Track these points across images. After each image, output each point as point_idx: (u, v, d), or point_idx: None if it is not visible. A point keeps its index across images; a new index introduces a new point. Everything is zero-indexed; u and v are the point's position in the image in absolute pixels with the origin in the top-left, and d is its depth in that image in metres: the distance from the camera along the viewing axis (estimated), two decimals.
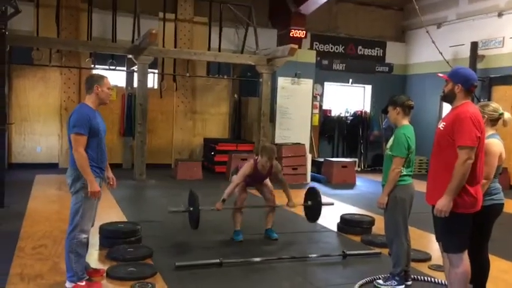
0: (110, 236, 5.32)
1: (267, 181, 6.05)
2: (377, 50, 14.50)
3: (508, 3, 11.68)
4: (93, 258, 4.94)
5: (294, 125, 11.81)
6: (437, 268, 4.95)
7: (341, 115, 14.10)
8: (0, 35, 7.28)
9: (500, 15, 11.80)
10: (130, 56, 10.40)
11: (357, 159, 13.75)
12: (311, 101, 12.17)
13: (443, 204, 3.41)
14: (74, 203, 4.04)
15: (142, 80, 10.27)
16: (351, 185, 11.07)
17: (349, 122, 14.09)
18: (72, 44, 10.49)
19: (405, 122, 4.41)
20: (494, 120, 3.95)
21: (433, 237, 4.04)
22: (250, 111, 12.50)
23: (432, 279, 4.70)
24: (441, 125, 3.58)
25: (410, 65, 14.63)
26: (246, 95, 12.91)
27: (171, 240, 5.86)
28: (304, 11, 12.29)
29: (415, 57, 14.41)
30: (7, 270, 4.48)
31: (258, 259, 5.09)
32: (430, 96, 12.86)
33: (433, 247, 5.61)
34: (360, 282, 4.50)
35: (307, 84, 11.93)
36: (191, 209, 5.54)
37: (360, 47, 14.30)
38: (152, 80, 12.30)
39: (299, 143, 11.37)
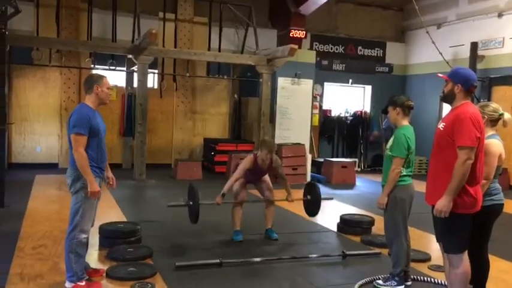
0: (110, 236, 5.32)
1: (267, 177, 6.04)
2: (377, 50, 14.50)
3: (508, 4, 11.68)
4: (93, 258, 4.94)
5: (294, 125, 11.81)
6: (437, 268, 4.95)
7: (341, 115, 14.10)
8: (0, 35, 7.28)
9: (500, 15, 11.81)
10: (130, 56, 10.40)
11: (356, 160, 13.75)
12: (311, 101, 12.18)
13: (443, 204, 3.42)
14: (73, 203, 4.04)
15: (142, 80, 10.27)
16: (350, 185, 11.08)
17: (349, 122, 14.10)
18: (72, 44, 10.49)
19: (405, 122, 4.41)
20: (494, 121, 3.95)
21: (432, 237, 4.05)
22: (250, 112, 12.50)
23: (432, 279, 4.70)
24: (441, 126, 3.58)
25: (410, 65, 14.64)
26: (246, 95, 12.91)
27: (171, 240, 5.86)
28: (304, 11, 12.30)
29: (415, 57, 14.41)
30: (7, 270, 4.49)
31: (258, 259, 5.09)
32: (430, 96, 12.86)
33: (433, 247, 5.61)
34: (360, 283, 4.51)
35: (307, 84, 11.93)
36: (191, 203, 5.52)
37: (359, 48, 14.30)
38: (152, 80, 12.31)
39: (299, 143, 11.37)
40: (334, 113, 14.06)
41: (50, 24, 10.72)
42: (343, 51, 14.11)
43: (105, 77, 4.23)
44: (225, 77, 12.34)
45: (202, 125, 12.70)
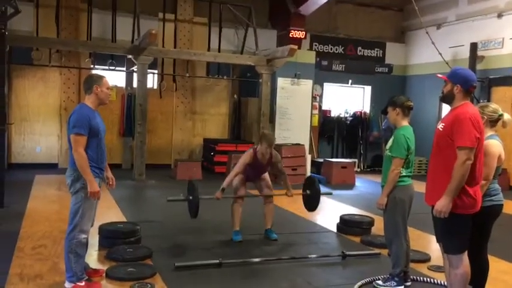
0: (110, 236, 5.31)
1: (266, 176, 6.03)
2: (376, 50, 14.51)
3: (508, 4, 11.69)
4: (93, 258, 4.94)
5: (293, 125, 11.82)
6: (437, 269, 4.96)
7: (340, 116, 14.11)
8: (0, 35, 7.28)
9: (499, 16, 11.81)
10: (130, 56, 10.40)
11: (356, 160, 13.75)
12: (311, 101, 12.19)
13: (443, 205, 3.42)
14: (73, 203, 4.04)
15: (142, 80, 10.27)
16: (350, 186, 11.08)
17: (348, 122, 14.10)
18: (71, 44, 10.49)
19: (405, 122, 4.41)
20: (494, 121, 3.95)
21: (432, 238, 4.05)
22: (250, 112, 12.51)
23: (431, 280, 4.71)
24: (440, 126, 3.58)
25: (410, 65, 14.65)
26: (245, 96, 12.92)
27: (170, 240, 5.86)
28: (304, 11, 12.30)
29: (415, 58, 14.42)
30: (6, 270, 4.48)
31: (257, 259, 5.09)
32: (430, 97, 12.87)
33: (432, 248, 5.62)
34: (360, 283, 4.51)
35: (306, 84, 11.95)
36: (190, 198, 5.51)
37: (359, 48, 14.31)
38: (152, 80, 12.31)
39: (299, 144, 11.38)
40: (334, 114, 14.06)
41: (49, 24, 10.73)
42: (342, 52, 14.11)
43: (105, 77, 4.23)
44: (225, 77, 12.35)
45: (202, 126, 12.70)
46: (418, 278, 4.70)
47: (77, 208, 4.01)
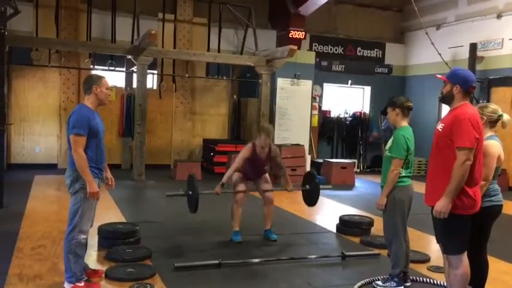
0: (109, 236, 5.31)
1: (267, 176, 6.02)
2: (376, 51, 14.51)
3: (507, 5, 11.69)
4: (92, 259, 4.94)
5: (293, 126, 11.82)
6: (436, 269, 4.96)
7: (340, 116, 14.10)
8: (0, 36, 7.28)
9: (499, 16, 11.82)
10: (129, 56, 10.40)
11: (356, 160, 13.75)
12: (310, 102, 12.19)
13: (442, 205, 3.42)
14: (73, 204, 4.04)
15: (142, 80, 10.27)
16: (350, 186, 11.08)
17: (348, 123, 14.10)
18: (71, 45, 10.49)
19: (404, 123, 4.41)
20: (493, 122, 3.95)
21: (432, 238, 4.05)
22: (250, 112, 12.51)
23: (431, 280, 4.70)
24: (440, 126, 3.58)
25: (410, 66, 14.65)
26: (245, 96, 12.92)
27: (170, 241, 5.85)
28: (304, 12, 12.31)
29: (414, 58, 14.43)
30: (6, 271, 4.48)
31: (257, 260, 5.09)
32: (429, 97, 12.87)
33: (432, 248, 5.62)
34: (359, 283, 4.50)
35: (306, 85, 11.95)
36: (190, 192, 5.50)
37: (359, 48, 14.31)
38: (151, 80, 12.30)
39: (298, 144, 11.38)
40: (334, 114, 14.06)
41: (49, 24, 10.73)
42: (342, 52, 14.11)
43: (104, 77, 4.23)
44: (225, 77, 12.35)
45: (202, 126, 12.69)
46: (417, 278, 4.70)
47: (76, 208, 4.01)
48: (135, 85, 10.77)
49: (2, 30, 7.28)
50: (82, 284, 4.06)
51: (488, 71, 11.79)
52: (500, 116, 3.95)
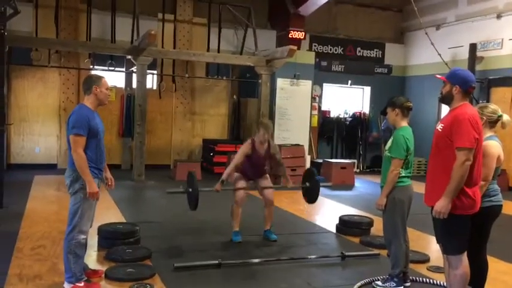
0: (109, 236, 5.31)
1: (267, 177, 6.00)
2: (376, 51, 14.51)
3: (507, 5, 11.70)
4: (92, 259, 4.94)
5: (293, 126, 11.82)
6: (436, 269, 4.96)
7: (340, 116, 14.10)
8: (0, 36, 7.28)
9: (499, 17, 11.82)
10: (129, 56, 10.40)
11: (355, 161, 13.76)
12: (310, 102, 12.18)
13: (442, 205, 3.42)
14: (72, 204, 4.04)
15: (142, 80, 10.27)
16: (349, 186, 11.08)
17: (348, 123, 14.10)
18: (71, 45, 10.49)
19: (404, 123, 4.41)
20: (493, 122, 3.95)
21: (431, 238, 4.05)
22: (249, 112, 12.51)
23: (431, 280, 4.71)
24: (439, 127, 3.58)
25: (409, 66, 14.66)
26: (245, 96, 12.91)
27: (170, 241, 5.85)
28: (303, 12, 12.31)
29: (414, 58, 14.43)
30: (6, 271, 4.48)
31: (256, 260, 5.09)
32: (429, 97, 12.88)
33: (432, 248, 5.62)
34: (359, 284, 4.50)
35: (306, 85, 11.95)
36: (190, 190, 5.50)
37: (358, 49, 14.31)
38: (151, 80, 12.31)
39: (298, 144, 11.38)
40: (333, 114, 14.06)
41: (49, 25, 10.73)
42: (342, 52, 14.12)
43: (104, 77, 4.23)
44: (224, 78, 12.35)
45: (201, 126, 12.70)
46: (417, 278, 4.70)
47: (76, 209, 4.01)
48: (134, 85, 10.77)
49: (2, 31, 7.28)
50: (82, 284, 4.06)
51: (488, 71, 11.79)
52: (500, 116, 3.95)
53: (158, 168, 11.58)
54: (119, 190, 8.11)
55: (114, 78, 11.83)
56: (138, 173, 10.21)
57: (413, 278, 4.66)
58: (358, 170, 13.66)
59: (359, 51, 14.32)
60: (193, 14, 12.27)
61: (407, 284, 4.51)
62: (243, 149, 5.78)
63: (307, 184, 6.02)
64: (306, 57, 12.11)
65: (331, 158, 13.06)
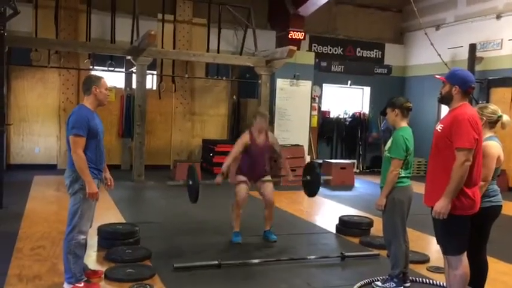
0: (109, 237, 5.31)
1: (268, 179, 6.00)
2: (376, 51, 14.52)
3: (506, 5, 11.71)
4: (92, 259, 4.94)
5: (292, 126, 11.82)
6: (436, 270, 4.96)
7: (340, 117, 14.10)
8: None
9: (498, 17, 11.83)
10: (129, 57, 10.40)
11: (355, 161, 13.76)
12: (310, 102, 12.18)
13: (442, 206, 3.42)
14: (72, 204, 4.04)
15: (141, 81, 10.27)
16: (349, 187, 11.08)
17: (347, 123, 14.10)
18: (70, 45, 10.49)
19: (403, 123, 4.41)
20: (493, 123, 3.95)
21: (431, 239, 4.05)
22: (249, 113, 12.49)
23: (430, 281, 4.71)
24: (439, 127, 3.58)
25: (409, 66, 14.66)
26: (244, 97, 12.92)
27: (169, 241, 5.85)
28: (303, 12, 12.31)
29: (414, 59, 14.44)
30: (5, 271, 4.48)
31: (256, 261, 5.09)
32: (429, 98, 12.88)
33: (432, 249, 5.62)
34: (359, 284, 4.51)
35: (305, 85, 11.95)
36: (190, 182, 5.48)
37: (358, 49, 14.32)
38: (151, 81, 12.31)
39: (298, 145, 11.38)
40: (333, 115, 14.06)
41: (48, 25, 10.72)
42: (342, 53, 14.12)
43: (103, 78, 4.23)
44: (224, 78, 12.35)
45: (201, 126, 12.70)
46: (417, 279, 4.70)
47: (75, 209, 4.01)
48: (134, 86, 10.76)
49: (2, 31, 7.27)
50: (81, 284, 4.06)
51: (488, 72, 11.80)
52: (500, 116, 3.95)
53: (158, 168, 11.58)
54: (119, 190, 8.11)
55: (113, 78, 11.82)
56: (137, 174, 10.21)
57: (413, 278, 4.66)
58: (357, 171, 13.66)
59: (359, 52, 14.32)
60: (193, 15, 12.27)
61: (407, 285, 4.51)
62: (242, 139, 5.79)
63: (308, 177, 6.01)
64: (306, 57, 12.11)
65: (331, 159, 13.06)
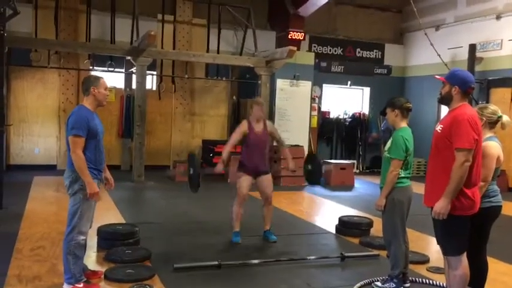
0: (108, 237, 5.30)
1: (269, 178, 5.99)
2: (375, 52, 14.52)
3: (506, 6, 11.71)
4: (91, 260, 4.93)
5: (292, 126, 11.81)
6: (436, 270, 4.96)
7: (339, 117, 14.10)
8: None
9: (498, 17, 11.83)
10: (129, 57, 10.40)
11: (355, 161, 13.76)
12: (310, 102, 12.18)
13: (441, 206, 3.42)
14: (72, 205, 4.04)
15: (141, 81, 10.26)
16: (349, 187, 11.06)
17: (347, 124, 14.10)
18: (70, 46, 10.49)
19: (403, 124, 4.41)
20: (493, 123, 3.95)
21: (431, 239, 4.05)
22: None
23: (430, 281, 4.70)
24: (439, 128, 3.58)
25: (409, 67, 14.67)
26: (244, 97, 12.90)
27: (169, 242, 5.85)
28: (303, 13, 12.31)
29: (414, 59, 14.44)
30: (5, 272, 4.47)
31: (256, 261, 5.09)
32: (429, 98, 12.88)
33: (431, 249, 5.62)
34: (359, 284, 4.50)
35: (305, 86, 11.95)
36: (191, 171, 5.45)
37: (358, 49, 14.32)
38: (151, 81, 12.31)
39: (298, 145, 11.35)
40: (333, 115, 14.06)
41: (48, 25, 10.73)
42: (341, 53, 14.12)
43: (102, 78, 4.23)
44: (224, 78, 12.35)
45: (201, 127, 12.69)
46: (417, 279, 4.70)
47: (75, 209, 4.01)
48: (134, 86, 10.76)
49: (1, 31, 7.28)
50: (81, 285, 4.06)
51: (488, 72, 11.80)
52: (500, 117, 3.95)
53: (158, 169, 11.57)
54: (119, 191, 8.11)
55: (113, 79, 11.82)
56: (137, 174, 10.20)
57: (413, 278, 4.66)
58: (357, 171, 13.65)
59: (358, 52, 14.32)
60: (193, 15, 12.27)
61: (407, 285, 4.51)
62: (240, 128, 5.88)
63: (309, 167, 6.01)
64: (306, 58, 12.11)
65: (331, 159, 13.05)
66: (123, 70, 11.77)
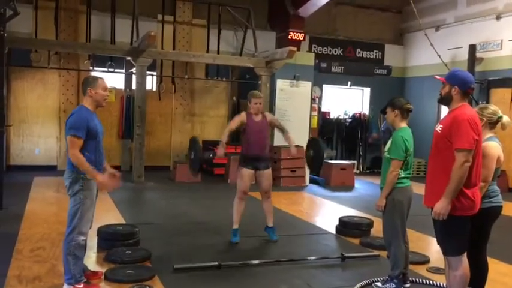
0: (108, 238, 5.30)
1: (269, 172, 5.97)
2: (375, 52, 14.53)
3: (506, 6, 11.71)
4: (91, 260, 4.93)
5: (292, 127, 11.66)
6: (436, 271, 4.96)
7: (340, 117, 14.11)
8: None
9: (498, 18, 11.83)
10: (129, 58, 10.40)
11: (355, 162, 13.76)
12: (310, 103, 12.17)
13: (441, 207, 3.42)
14: (72, 205, 4.03)
15: (141, 82, 10.26)
16: (349, 187, 11.08)
17: (347, 124, 14.10)
18: (70, 46, 10.49)
19: (403, 124, 4.41)
20: (493, 123, 3.94)
21: (431, 239, 4.05)
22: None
23: (430, 281, 4.70)
24: (438, 128, 3.58)
25: (409, 67, 14.67)
26: (244, 97, 12.74)
27: (169, 242, 5.85)
28: (303, 13, 12.31)
29: (414, 59, 14.44)
30: (5, 273, 4.47)
31: (256, 261, 5.09)
32: (429, 98, 12.88)
33: (432, 249, 5.62)
34: (359, 285, 4.50)
35: (305, 86, 11.93)
36: (192, 156, 5.45)
37: (358, 50, 14.32)
38: (151, 82, 12.30)
39: (298, 146, 11.33)
40: (333, 115, 14.07)
41: (48, 26, 10.73)
42: (341, 54, 14.12)
43: (101, 78, 4.20)
44: (224, 79, 12.35)
45: (201, 127, 12.69)
46: (417, 279, 4.69)
47: (75, 210, 4.01)
48: (134, 87, 10.76)
49: (2, 32, 7.27)
50: (81, 285, 4.05)
51: (488, 72, 11.80)
52: (500, 117, 3.94)
53: (158, 169, 11.57)
54: (119, 192, 8.08)
55: (113, 79, 11.82)
56: (137, 175, 10.20)
57: (413, 279, 4.65)
58: (357, 171, 13.66)
59: (358, 53, 14.32)
60: (193, 16, 12.27)
61: (407, 285, 4.51)
62: (239, 117, 5.91)
63: (311, 153, 6.01)
64: (306, 58, 12.09)
65: (331, 159, 13.04)
66: (123, 71, 11.77)
